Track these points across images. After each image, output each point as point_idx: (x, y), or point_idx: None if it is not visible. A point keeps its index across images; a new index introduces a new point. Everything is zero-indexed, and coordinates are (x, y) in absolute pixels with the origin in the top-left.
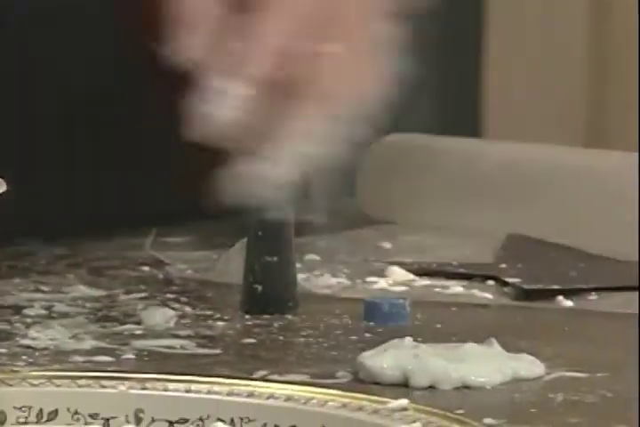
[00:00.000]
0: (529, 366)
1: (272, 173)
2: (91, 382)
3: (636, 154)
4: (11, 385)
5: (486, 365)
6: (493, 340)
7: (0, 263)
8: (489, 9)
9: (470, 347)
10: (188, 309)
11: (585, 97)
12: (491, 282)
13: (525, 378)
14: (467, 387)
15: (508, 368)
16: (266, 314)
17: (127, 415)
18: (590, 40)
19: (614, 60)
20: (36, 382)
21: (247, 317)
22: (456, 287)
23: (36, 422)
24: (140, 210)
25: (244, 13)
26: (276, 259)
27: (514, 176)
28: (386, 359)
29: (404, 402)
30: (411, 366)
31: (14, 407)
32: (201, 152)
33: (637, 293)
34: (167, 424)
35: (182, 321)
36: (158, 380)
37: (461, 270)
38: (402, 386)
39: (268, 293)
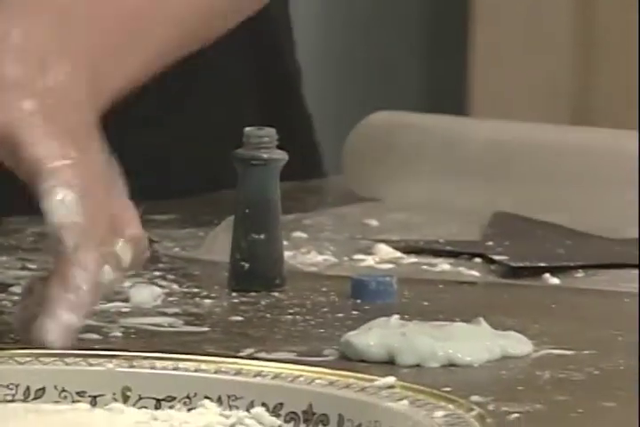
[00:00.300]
0: (517, 344)
1: None
2: (78, 359)
3: (635, 132)
4: None
5: (474, 343)
6: (481, 319)
7: None
8: None
9: (458, 326)
10: (175, 286)
11: (571, 76)
12: (478, 260)
13: (514, 356)
14: (454, 365)
15: (497, 346)
16: (253, 292)
17: (114, 393)
18: (577, 19)
19: (600, 38)
20: (23, 360)
21: (234, 294)
22: (443, 265)
23: (24, 400)
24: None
25: None
26: (262, 236)
27: (500, 154)
28: (372, 338)
29: (391, 380)
30: (397, 345)
31: (1, 385)
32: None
33: (637, 271)
34: (154, 402)
35: (169, 299)
36: (145, 358)
37: (448, 248)
38: (389, 364)
39: (255, 270)
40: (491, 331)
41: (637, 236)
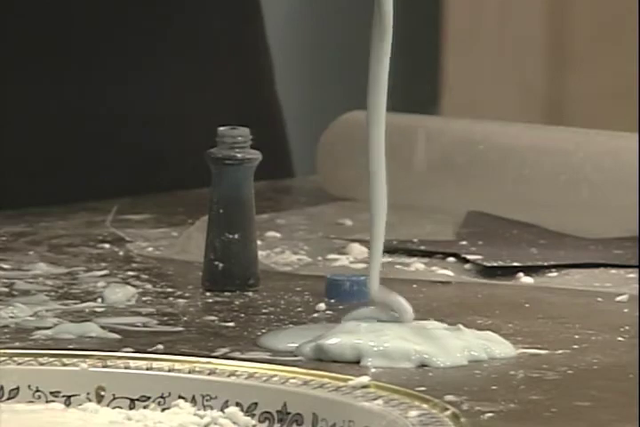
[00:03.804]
0: (499, 348)
1: None
2: (52, 359)
3: (636, 135)
4: None
5: (452, 348)
6: (460, 325)
7: None
8: None
9: (437, 329)
10: (149, 286)
11: (543, 76)
12: (451, 259)
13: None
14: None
15: (479, 351)
16: (227, 291)
17: (88, 393)
18: (549, 19)
19: (572, 37)
20: None
21: (208, 294)
22: (417, 264)
23: None
24: (101, 184)
25: None
26: (236, 236)
27: (474, 153)
28: (346, 339)
29: (365, 379)
30: (370, 348)
31: None
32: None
33: (611, 270)
34: (128, 402)
35: (143, 298)
36: (120, 357)
37: (422, 248)
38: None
39: (229, 270)
40: (471, 337)
41: (611, 236)
